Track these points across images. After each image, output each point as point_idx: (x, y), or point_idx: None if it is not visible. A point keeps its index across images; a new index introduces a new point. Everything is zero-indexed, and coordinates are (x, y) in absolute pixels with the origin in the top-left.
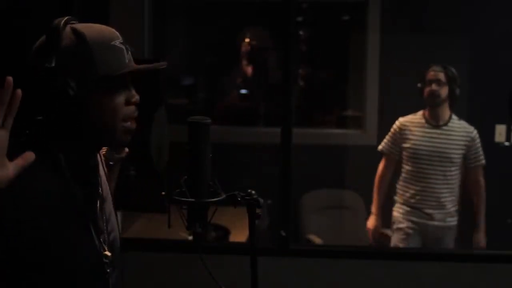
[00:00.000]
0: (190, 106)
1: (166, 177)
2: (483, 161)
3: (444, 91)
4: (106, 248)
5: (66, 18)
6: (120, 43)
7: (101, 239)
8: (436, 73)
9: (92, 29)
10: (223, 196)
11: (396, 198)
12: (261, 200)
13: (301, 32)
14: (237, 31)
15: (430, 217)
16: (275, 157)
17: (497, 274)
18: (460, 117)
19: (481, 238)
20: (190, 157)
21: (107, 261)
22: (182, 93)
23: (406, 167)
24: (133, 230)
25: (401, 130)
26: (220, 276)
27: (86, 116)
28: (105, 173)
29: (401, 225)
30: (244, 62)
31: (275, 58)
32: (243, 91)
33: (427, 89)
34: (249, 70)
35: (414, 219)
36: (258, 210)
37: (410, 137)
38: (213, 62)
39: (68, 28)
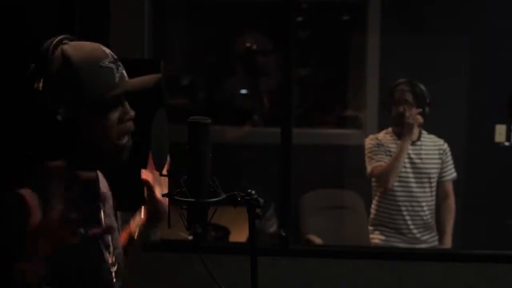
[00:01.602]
0: (190, 106)
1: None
2: (454, 175)
3: (412, 112)
4: (113, 260)
5: (58, 38)
6: (110, 62)
7: (107, 252)
8: (404, 92)
9: (81, 50)
10: (223, 196)
11: (375, 221)
12: (261, 200)
13: (301, 33)
14: (237, 31)
15: (417, 239)
16: (275, 157)
17: (497, 274)
18: (460, 117)
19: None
20: (190, 157)
21: (113, 271)
22: (182, 93)
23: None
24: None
25: (379, 146)
26: (220, 276)
27: (79, 137)
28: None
29: None
30: (245, 62)
31: (275, 59)
32: (243, 91)
33: (394, 109)
34: (250, 70)
35: (400, 245)
36: (258, 210)
37: (386, 155)
38: (213, 62)
39: (59, 50)
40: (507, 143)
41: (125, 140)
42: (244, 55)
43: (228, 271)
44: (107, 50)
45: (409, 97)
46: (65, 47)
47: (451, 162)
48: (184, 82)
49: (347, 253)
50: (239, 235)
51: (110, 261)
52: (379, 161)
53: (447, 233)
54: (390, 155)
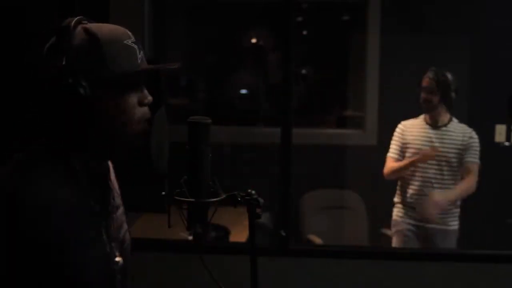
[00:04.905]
0: (190, 106)
1: (166, 177)
2: (477, 161)
3: (435, 98)
4: (117, 254)
5: (78, 18)
6: (132, 42)
7: (112, 245)
8: (429, 80)
9: (104, 28)
10: (223, 196)
11: (396, 199)
12: (261, 200)
13: (301, 32)
14: (237, 31)
15: (428, 218)
16: (275, 157)
17: (497, 274)
18: (460, 117)
19: (439, 197)
20: (190, 157)
21: (116, 267)
22: (182, 93)
23: None
24: (133, 230)
25: (403, 132)
26: (220, 276)
27: (98, 118)
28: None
29: (400, 227)
30: (245, 62)
31: (275, 58)
32: (243, 91)
33: (421, 96)
34: (249, 70)
35: (413, 221)
36: (258, 210)
37: (410, 137)
38: (213, 62)
39: (79, 27)
40: (507, 143)
41: (143, 126)
42: (249, 50)
43: (228, 271)
44: (128, 31)
45: (432, 84)
46: (87, 25)
47: (476, 148)
48: (184, 82)
49: (347, 253)
50: (239, 235)
51: (113, 255)
52: (391, 152)
53: (454, 189)
54: (409, 140)
